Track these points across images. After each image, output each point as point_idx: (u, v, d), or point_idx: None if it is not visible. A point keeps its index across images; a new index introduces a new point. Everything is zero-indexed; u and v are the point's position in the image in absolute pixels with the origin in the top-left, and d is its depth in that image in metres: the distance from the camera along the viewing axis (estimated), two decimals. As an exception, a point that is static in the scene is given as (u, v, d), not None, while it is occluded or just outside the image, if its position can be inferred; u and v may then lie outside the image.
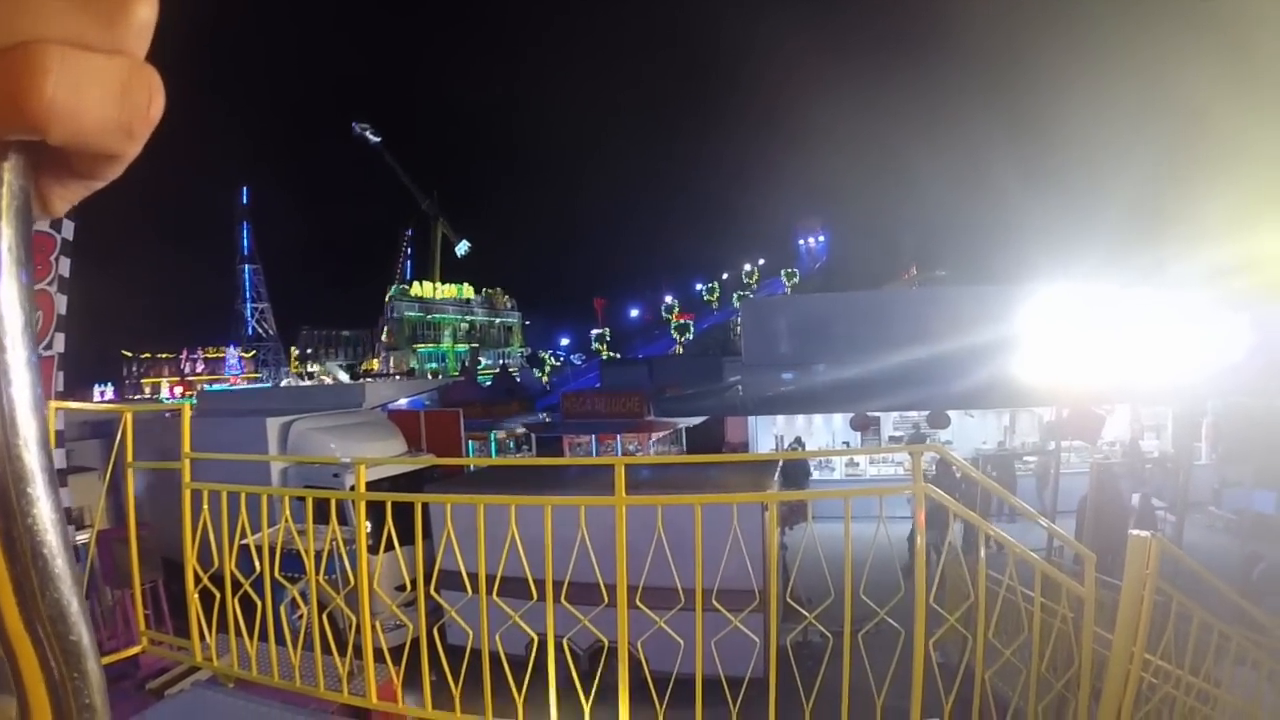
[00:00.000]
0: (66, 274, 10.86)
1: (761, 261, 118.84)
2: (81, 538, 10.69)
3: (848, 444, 21.87)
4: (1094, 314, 12.98)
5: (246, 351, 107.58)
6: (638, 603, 4.41)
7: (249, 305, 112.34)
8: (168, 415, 13.35)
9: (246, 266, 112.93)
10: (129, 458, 5.40)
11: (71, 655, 0.51)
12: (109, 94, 0.46)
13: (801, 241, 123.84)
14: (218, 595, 5.13)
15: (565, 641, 4.59)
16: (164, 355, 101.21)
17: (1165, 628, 4.81)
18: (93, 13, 0.45)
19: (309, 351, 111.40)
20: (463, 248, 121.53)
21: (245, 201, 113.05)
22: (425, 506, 4.72)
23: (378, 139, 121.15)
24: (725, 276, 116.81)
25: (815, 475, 19.49)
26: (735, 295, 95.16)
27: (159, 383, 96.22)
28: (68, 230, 10.80)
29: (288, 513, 4.89)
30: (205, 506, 5.05)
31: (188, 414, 5.62)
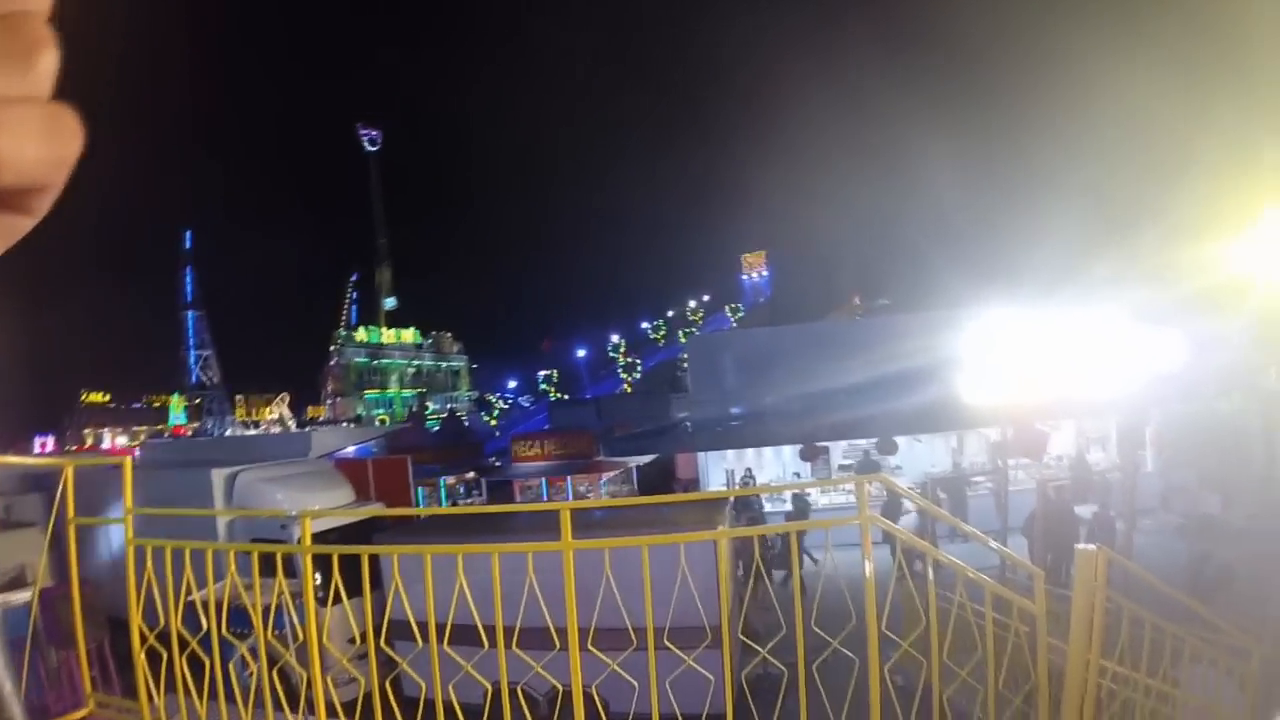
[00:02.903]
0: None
1: (706, 298, 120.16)
2: (23, 597, 10.37)
3: (798, 475, 21.85)
4: (1033, 335, 13.23)
5: (190, 400, 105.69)
6: (589, 646, 4.39)
7: (192, 352, 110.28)
8: (111, 468, 13.05)
9: (190, 312, 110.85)
10: (70, 513, 5.28)
11: None
12: (38, 134, 0.52)
13: (745, 276, 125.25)
14: (165, 654, 5.02)
15: (520, 689, 4.55)
16: (106, 404, 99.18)
17: (1119, 635, 4.90)
18: (5, 70, 0.52)
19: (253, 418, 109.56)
20: (390, 303, 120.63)
21: (189, 245, 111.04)
22: (375, 557, 4.67)
23: (375, 148, 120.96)
24: (671, 314, 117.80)
25: (768, 509, 19.51)
26: (681, 332, 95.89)
27: (101, 432, 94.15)
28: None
29: (233, 567, 4.81)
30: (149, 563, 4.94)
31: (129, 467, 5.51)
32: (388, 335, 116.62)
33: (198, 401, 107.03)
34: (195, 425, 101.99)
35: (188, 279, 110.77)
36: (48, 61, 0.54)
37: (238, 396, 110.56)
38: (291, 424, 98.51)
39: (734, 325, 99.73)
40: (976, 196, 76.23)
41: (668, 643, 4.46)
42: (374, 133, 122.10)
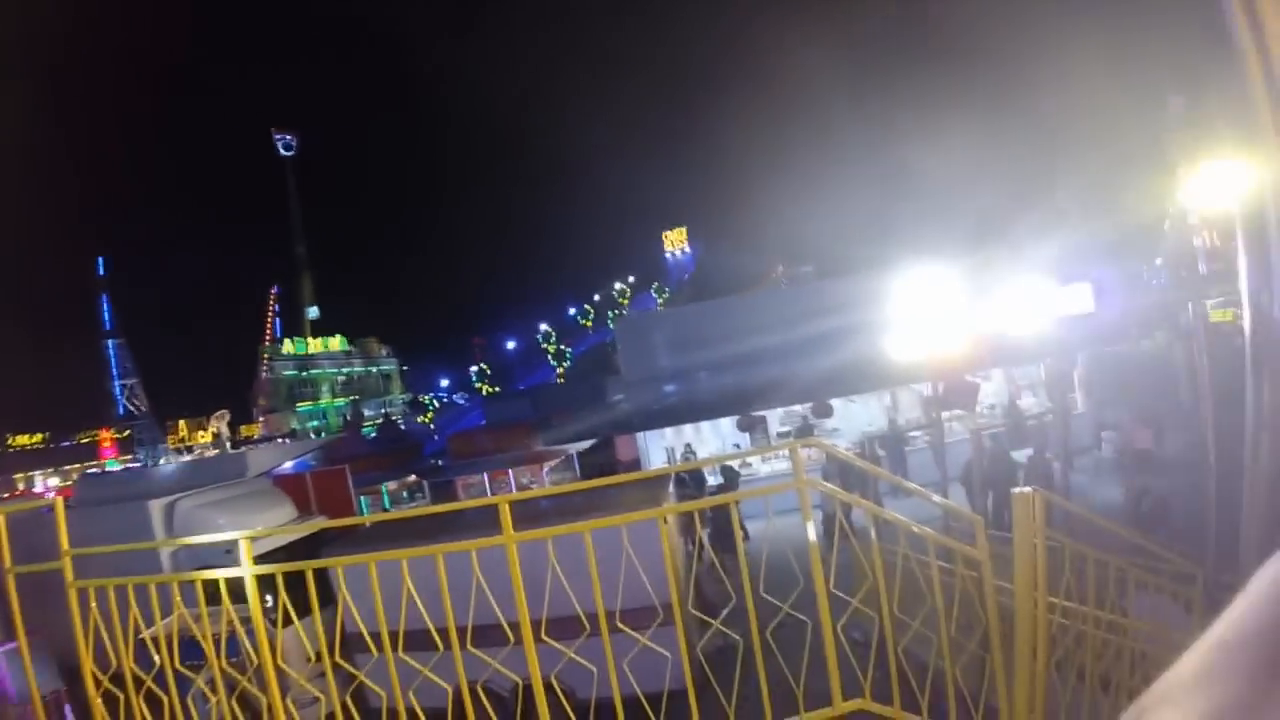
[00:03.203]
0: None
1: (631, 279, 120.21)
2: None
3: (738, 446, 22.03)
4: (957, 289, 13.54)
5: (120, 432, 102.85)
6: (544, 637, 4.41)
7: (117, 382, 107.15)
8: (44, 512, 12.69)
9: (110, 341, 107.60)
10: (6, 562, 5.16)
11: None
12: None
13: (668, 254, 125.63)
14: (122, 696, 4.93)
15: (482, 687, 4.56)
16: (35, 445, 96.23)
17: (1064, 572, 5.07)
18: None
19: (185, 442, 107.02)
20: (313, 313, 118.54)
21: (102, 272, 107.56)
22: (325, 573, 4.64)
23: (290, 153, 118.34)
24: (597, 298, 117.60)
25: (710, 482, 19.65)
26: (610, 314, 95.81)
27: (32, 476, 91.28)
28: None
29: (178, 598, 4.75)
30: (93, 604, 4.85)
31: (61, 508, 5.39)
32: (314, 345, 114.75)
33: (127, 433, 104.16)
34: (128, 458, 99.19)
35: (104, 307, 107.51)
36: None
37: (168, 423, 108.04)
38: (227, 444, 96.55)
39: (660, 305, 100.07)
40: (895, 159, 77.38)
41: (621, 625, 4.50)
42: (288, 137, 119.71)
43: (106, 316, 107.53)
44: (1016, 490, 4.49)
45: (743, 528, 14.72)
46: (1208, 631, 0.56)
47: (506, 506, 4.41)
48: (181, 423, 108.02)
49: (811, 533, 4.45)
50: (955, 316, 13.18)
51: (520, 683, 4.53)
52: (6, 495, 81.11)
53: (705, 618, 4.85)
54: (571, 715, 4.60)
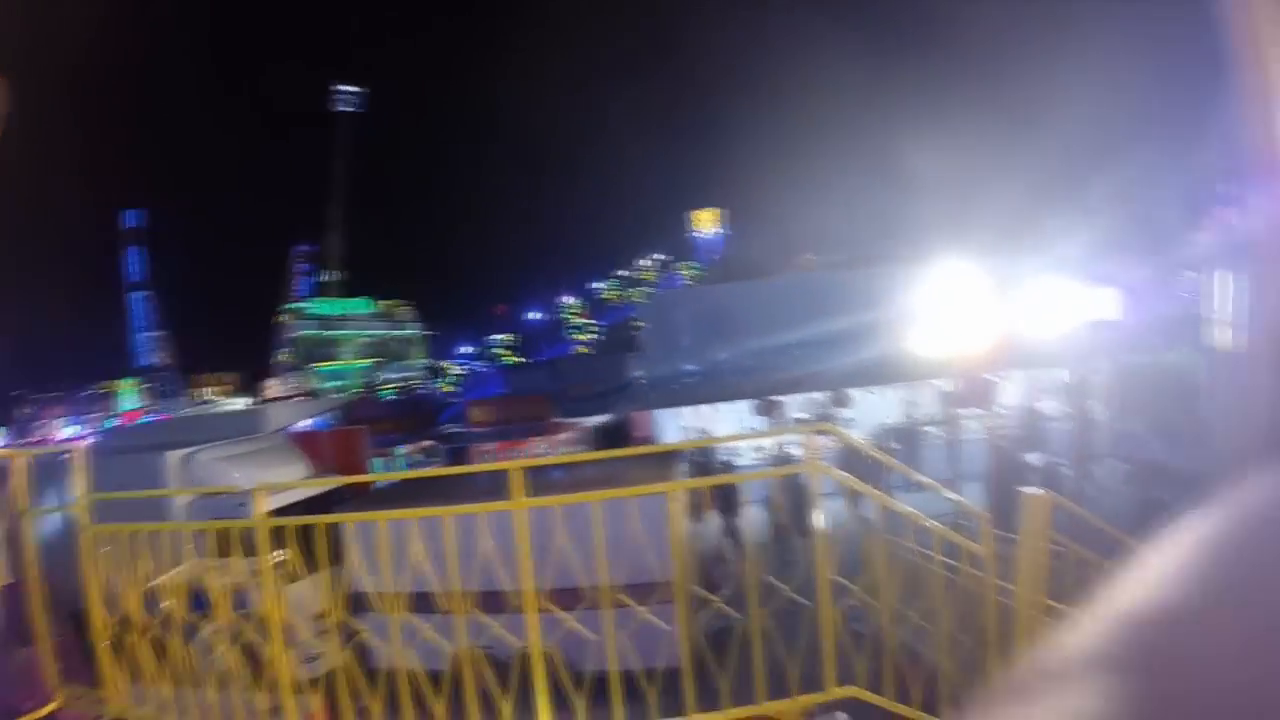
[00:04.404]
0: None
1: (660, 257, 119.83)
2: (-19, 596, 10.23)
3: (755, 430, 22.06)
4: (983, 287, 13.48)
5: (142, 383, 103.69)
6: (545, 604, 4.44)
7: (141, 335, 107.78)
8: (65, 457, 12.81)
9: (136, 294, 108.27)
10: (24, 505, 5.23)
11: None
12: None
13: (698, 234, 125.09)
14: (129, 642, 5.00)
15: (483, 652, 4.60)
16: (57, 394, 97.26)
17: (1067, 577, 5.05)
18: None
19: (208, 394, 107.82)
20: (337, 275, 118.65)
21: (132, 225, 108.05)
22: (335, 531, 4.68)
23: (349, 108, 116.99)
24: (625, 274, 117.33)
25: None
26: (634, 291, 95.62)
27: (54, 423, 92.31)
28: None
29: (190, 547, 4.80)
30: (107, 549, 4.91)
31: (80, 455, 5.46)
32: (339, 306, 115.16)
33: (148, 385, 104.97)
34: (148, 407, 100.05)
35: (133, 260, 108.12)
36: None
37: (191, 376, 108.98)
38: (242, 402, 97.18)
39: (687, 283, 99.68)
40: (929, 152, 76.88)
41: (624, 598, 4.53)
42: (354, 91, 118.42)
43: (134, 269, 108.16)
44: (1027, 490, 4.48)
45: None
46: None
47: (519, 472, 4.43)
48: (206, 376, 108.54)
49: (819, 518, 4.46)
50: (980, 314, 13.12)
51: (520, 650, 4.57)
52: (32, 440, 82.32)
53: (707, 594, 4.87)
54: (568, 685, 4.63)
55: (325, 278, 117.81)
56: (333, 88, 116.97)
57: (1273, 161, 0.94)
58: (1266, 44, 0.91)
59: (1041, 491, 4.40)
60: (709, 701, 4.59)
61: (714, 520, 6.65)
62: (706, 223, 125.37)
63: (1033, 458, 15.03)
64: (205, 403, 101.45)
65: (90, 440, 25.91)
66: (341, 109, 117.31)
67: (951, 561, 4.76)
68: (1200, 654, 0.46)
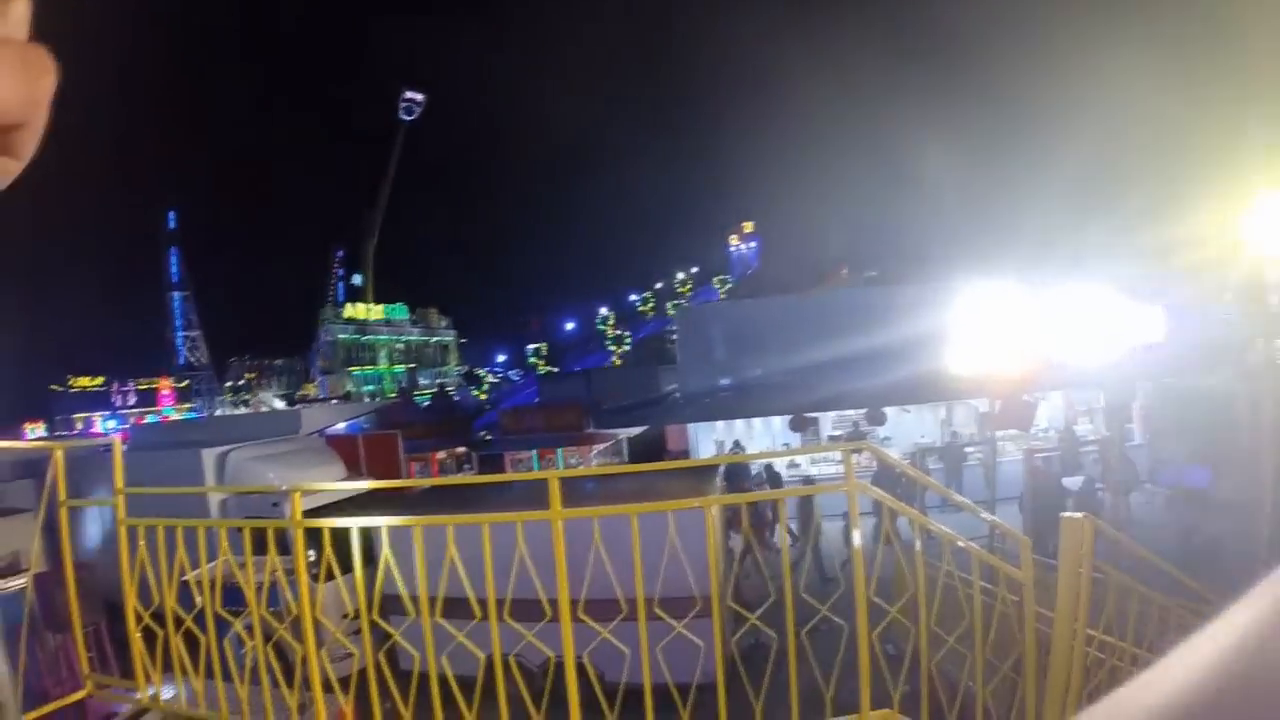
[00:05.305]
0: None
1: (694, 270, 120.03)
2: (18, 582, 10.38)
3: (788, 445, 21.93)
4: (1021, 306, 13.34)
5: (179, 382, 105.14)
6: (580, 615, 4.42)
7: (179, 334, 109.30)
8: (101, 450, 13.01)
9: (176, 293, 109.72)
10: (62, 496, 5.28)
11: None
12: (14, 72, 0.54)
13: (733, 248, 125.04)
14: (161, 634, 5.03)
15: (512, 659, 4.59)
16: (94, 388, 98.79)
17: (1106, 604, 4.95)
18: None
19: (242, 382, 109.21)
20: (358, 279, 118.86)
21: (173, 225, 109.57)
22: (367, 532, 4.68)
23: (411, 118, 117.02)
24: (659, 286, 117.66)
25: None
26: (669, 304, 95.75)
27: (90, 417, 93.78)
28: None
29: (225, 544, 4.83)
30: (142, 543, 4.95)
31: (119, 448, 5.51)
32: (375, 311, 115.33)
33: (185, 383, 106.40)
34: (185, 406, 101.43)
35: (172, 260, 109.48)
36: (20, 6, 0.56)
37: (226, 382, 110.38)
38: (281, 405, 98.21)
39: (721, 297, 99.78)
40: (965, 169, 76.33)
41: (658, 611, 4.50)
42: (419, 98, 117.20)
43: (174, 269, 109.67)
44: (1066, 515, 4.40)
45: (789, 531, 14.78)
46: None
47: (556, 482, 4.42)
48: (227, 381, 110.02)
49: (858, 538, 4.40)
50: (1018, 333, 12.98)
51: (552, 658, 4.56)
52: (67, 434, 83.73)
53: (743, 611, 4.82)
54: (600, 696, 4.60)
55: (362, 282, 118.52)
56: (403, 95, 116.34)
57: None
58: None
59: (1081, 515, 4.33)
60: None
61: (749, 536, 6.67)
62: (742, 237, 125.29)
63: (1070, 482, 14.85)
64: (243, 401, 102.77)
65: (129, 435, 26.34)
66: (404, 118, 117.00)
67: (988, 585, 4.68)
68: None
